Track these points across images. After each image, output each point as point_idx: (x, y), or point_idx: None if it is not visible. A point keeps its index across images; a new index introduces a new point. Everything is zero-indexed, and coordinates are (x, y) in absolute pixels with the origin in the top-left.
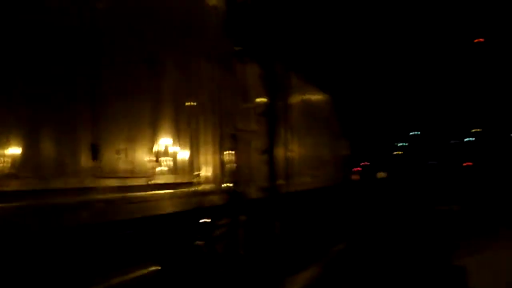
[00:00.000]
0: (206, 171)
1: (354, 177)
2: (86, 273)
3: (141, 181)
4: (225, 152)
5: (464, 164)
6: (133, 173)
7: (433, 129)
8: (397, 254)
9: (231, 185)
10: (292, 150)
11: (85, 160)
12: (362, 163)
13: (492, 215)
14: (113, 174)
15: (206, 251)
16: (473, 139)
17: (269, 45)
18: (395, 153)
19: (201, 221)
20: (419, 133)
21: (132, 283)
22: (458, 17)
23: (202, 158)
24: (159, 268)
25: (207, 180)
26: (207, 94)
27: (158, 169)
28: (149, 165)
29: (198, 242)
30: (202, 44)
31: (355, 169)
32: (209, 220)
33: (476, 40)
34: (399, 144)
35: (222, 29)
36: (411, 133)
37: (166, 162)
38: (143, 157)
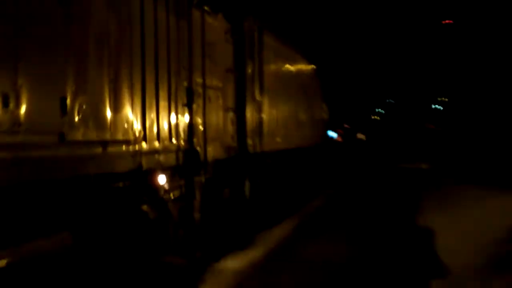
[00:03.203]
0: (152, 128)
1: (338, 138)
2: None
3: (45, 138)
4: (180, 108)
5: (430, 127)
6: (33, 127)
7: (406, 98)
8: (368, 211)
9: (186, 143)
10: (265, 110)
11: None
12: (344, 126)
13: (459, 175)
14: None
15: (153, 217)
16: (441, 107)
17: None
18: (372, 117)
19: (146, 183)
20: (393, 101)
21: (49, 255)
22: None
23: (147, 113)
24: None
25: (152, 138)
26: (152, 41)
27: (74, 123)
28: (60, 119)
29: (143, 207)
30: None
31: (339, 130)
32: (157, 183)
33: (444, 22)
34: (376, 110)
35: None
36: (387, 101)
37: (82, 116)
38: (51, 108)
